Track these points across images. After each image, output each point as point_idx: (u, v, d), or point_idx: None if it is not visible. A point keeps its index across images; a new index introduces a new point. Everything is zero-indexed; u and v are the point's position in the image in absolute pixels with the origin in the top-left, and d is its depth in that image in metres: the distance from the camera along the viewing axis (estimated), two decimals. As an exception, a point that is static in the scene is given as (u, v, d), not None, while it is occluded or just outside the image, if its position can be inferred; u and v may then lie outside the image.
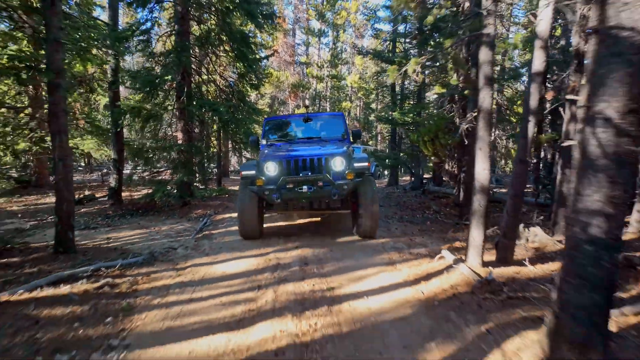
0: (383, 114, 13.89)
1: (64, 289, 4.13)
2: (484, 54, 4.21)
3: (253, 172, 5.71)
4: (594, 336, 2.40)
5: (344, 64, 27.89)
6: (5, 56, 5.48)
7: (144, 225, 8.05)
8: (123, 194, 10.80)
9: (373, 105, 26.64)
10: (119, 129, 9.78)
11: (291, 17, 27.74)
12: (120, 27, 9.97)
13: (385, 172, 18.74)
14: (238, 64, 10.92)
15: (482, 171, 4.41)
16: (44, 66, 5.49)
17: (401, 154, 12.48)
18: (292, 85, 24.37)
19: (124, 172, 10.80)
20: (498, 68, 12.42)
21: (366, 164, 5.76)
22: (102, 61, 9.63)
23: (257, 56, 12.01)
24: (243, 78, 11.17)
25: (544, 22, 4.30)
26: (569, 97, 4.02)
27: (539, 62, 4.36)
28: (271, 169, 5.56)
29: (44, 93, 11.93)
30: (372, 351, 2.92)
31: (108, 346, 3.03)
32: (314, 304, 3.79)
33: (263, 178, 5.53)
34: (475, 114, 4.74)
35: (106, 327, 3.35)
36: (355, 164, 5.66)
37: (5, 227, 7.98)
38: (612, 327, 3.11)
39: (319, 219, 7.80)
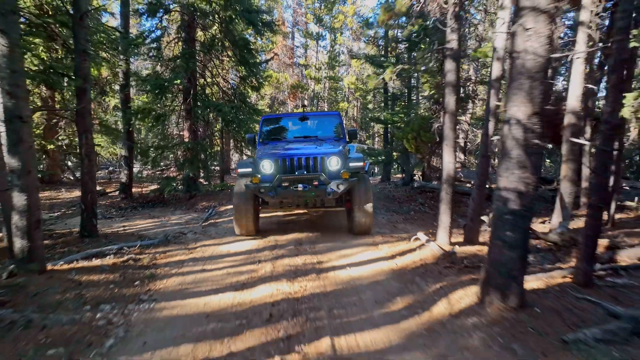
0: (376, 114, 14.65)
1: (96, 262, 4.91)
2: (448, 64, 4.98)
3: (249, 169, 5.74)
4: (511, 284, 3.16)
5: (342, 66, 28.63)
6: (37, 63, 6.22)
7: (154, 216, 8.82)
8: (132, 189, 11.56)
9: (370, 106, 27.38)
10: (130, 129, 10.55)
11: (290, 21, 28.52)
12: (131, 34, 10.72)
13: (376, 169, 19.52)
14: (240, 68, 11.67)
15: (447, 164, 5.18)
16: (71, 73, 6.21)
17: (393, 152, 13.27)
18: (291, 87, 25.12)
19: (133, 168, 11.56)
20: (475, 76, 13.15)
21: (361, 163, 5.76)
22: (115, 65, 10.38)
23: (258, 60, 12.77)
24: (244, 81, 11.92)
25: (499, 39, 5.07)
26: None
27: (496, 71, 5.12)
28: (267, 167, 5.61)
29: (57, 97, 12.72)
30: (349, 304, 3.68)
31: (139, 300, 3.80)
32: (304, 272, 4.56)
33: (259, 176, 5.55)
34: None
35: (135, 288, 4.12)
36: (351, 164, 5.66)
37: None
38: (541, 284, 3.89)
39: (315, 214, 8.52)
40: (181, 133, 11.35)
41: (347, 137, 6.87)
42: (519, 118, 3.02)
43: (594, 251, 3.82)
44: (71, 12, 5.57)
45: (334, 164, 5.63)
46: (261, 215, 6.90)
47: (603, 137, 3.69)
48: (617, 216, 7.13)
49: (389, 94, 14.84)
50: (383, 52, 14.65)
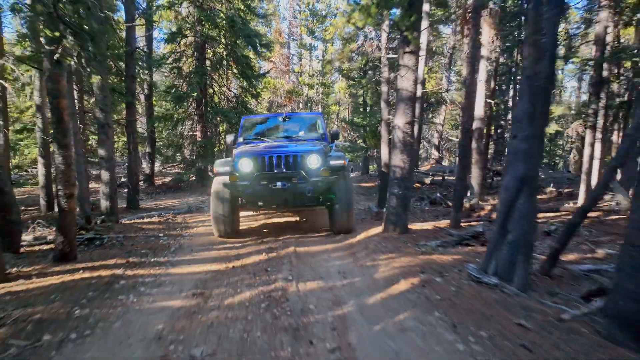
0: (352, 118, 16.86)
1: (147, 220, 7.14)
2: (383, 89, 7.21)
3: (227, 168, 5.42)
4: (398, 221, 5.39)
5: (334, 73, 30.85)
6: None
7: (175, 197, 11.07)
8: (154, 179, 13.79)
9: (362, 109, 29.62)
10: (153, 130, 12.77)
11: (286, 32, 30.73)
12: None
13: (352, 167, 21.86)
14: (242, 80, 13.88)
15: (383, 155, 7.42)
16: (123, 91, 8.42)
17: (367, 149, 15.57)
18: (287, 92, 27.31)
19: (155, 162, 13.79)
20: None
21: (342, 161, 5.57)
22: (141, 79, 12.58)
23: (256, 72, 14.98)
24: (246, 90, 14.13)
25: (420, 69, 7.30)
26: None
27: (419, 92, 7.36)
28: (245, 165, 5.26)
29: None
30: (309, 241, 5.89)
31: (182, 236, 6.04)
32: (286, 245, 6.79)
33: (237, 174, 5.24)
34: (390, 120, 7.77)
35: (177, 231, 6.36)
36: (331, 162, 5.47)
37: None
38: (429, 227, 6.11)
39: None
40: (194, 134, 13.56)
41: (328, 137, 6.60)
42: (399, 125, 5.26)
43: (461, 206, 6.07)
44: (125, 49, 7.76)
45: (313, 162, 5.32)
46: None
47: (462, 135, 5.94)
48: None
49: (364, 102, 17.17)
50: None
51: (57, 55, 3.42)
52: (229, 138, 6.56)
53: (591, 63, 8.70)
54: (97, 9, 3.70)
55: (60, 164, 4.06)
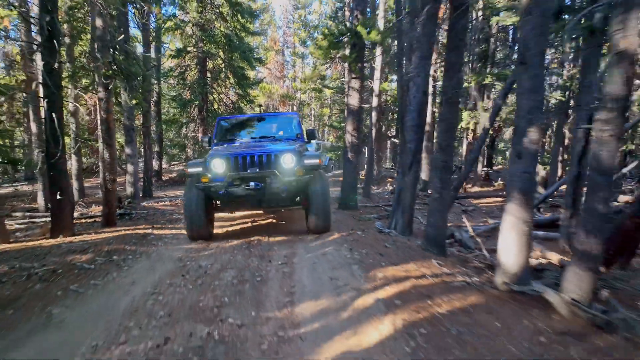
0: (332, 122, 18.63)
1: (160, 204, 8.88)
2: (349, 99, 8.97)
3: (199, 169, 5.12)
4: (351, 200, 7.16)
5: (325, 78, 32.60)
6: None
7: (181, 189, 12.74)
8: (162, 174, 15.53)
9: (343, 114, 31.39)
10: (161, 132, 14.48)
11: (281, 40, 32.46)
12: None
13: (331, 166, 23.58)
14: (238, 89, 15.61)
15: (350, 157, 9.20)
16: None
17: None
18: (281, 96, 29.05)
19: (162, 160, 15.52)
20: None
21: (317, 160, 5.31)
22: (152, 89, 14.29)
23: (251, 81, 16.72)
24: (242, 97, 15.87)
25: (375, 84, 9.07)
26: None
27: (375, 103, 9.12)
28: (218, 165, 5.03)
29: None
30: (284, 228, 7.63)
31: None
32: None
33: (209, 175, 5.00)
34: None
35: (185, 212, 8.10)
36: (306, 161, 5.21)
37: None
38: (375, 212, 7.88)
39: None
40: (197, 135, 15.28)
41: (305, 136, 6.43)
42: (349, 130, 7.03)
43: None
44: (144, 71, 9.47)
45: (288, 161, 5.09)
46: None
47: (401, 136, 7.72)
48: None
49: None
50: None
51: (110, 86, 5.16)
52: (205, 139, 6.33)
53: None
54: (139, 59, 5.44)
55: (107, 158, 5.82)
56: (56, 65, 4.91)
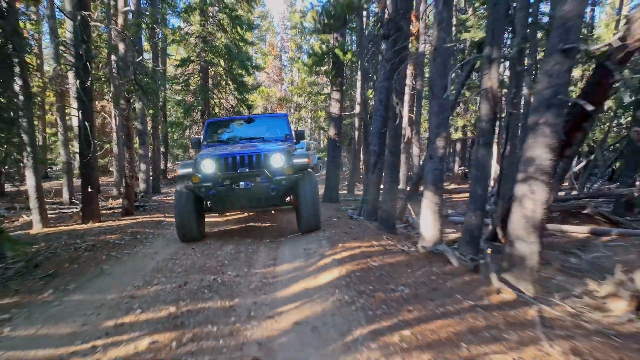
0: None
1: (168, 198, 9.95)
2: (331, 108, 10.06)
3: (189, 170, 5.09)
4: (333, 194, 8.24)
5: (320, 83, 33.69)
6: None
7: (186, 187, 13.86)
8: (167, 173, 16.59)
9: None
10: (167, 134, 15.53)
11: (279, 45, 33.53)
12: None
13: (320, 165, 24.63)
14: (237, 94, 16.67)
15: (333, 157, 10.30)
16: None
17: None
18: (279, 99, 30.11)
19: (168, 160, 16.58)
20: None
21: (306, 160, 5.32)
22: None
23: (249, 87, 17.78)
24: (241, 102, 16.93)
25: (357, 93, 10.14)
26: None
27: (357, 110, 10.20)
28: (208, 166, 4.98)
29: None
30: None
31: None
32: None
33: (199, 175, 4.95)
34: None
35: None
36: (295, 160, 5.20)
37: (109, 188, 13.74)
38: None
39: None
40: (198, 137, 16.34)
41: (294, 137, 6.34)
42: (331, 135, 8.10)
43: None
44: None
45: (277, 161, 5.08)
46: None
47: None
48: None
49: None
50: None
51: (132, 100, 6.22)
52: (194, 140, 6.38)
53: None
54: (154, 74, 6.52)
55: (127, 158, 6.89)
56: (88, 83, 5.98)
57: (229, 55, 14.44)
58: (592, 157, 8.32)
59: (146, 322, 2.66)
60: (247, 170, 4.99)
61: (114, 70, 6.61)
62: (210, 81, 15.83)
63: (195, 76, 15.49)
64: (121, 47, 6.58)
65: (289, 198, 5.58)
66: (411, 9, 4.50)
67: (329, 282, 3.30)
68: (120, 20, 6.55)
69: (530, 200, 2.86)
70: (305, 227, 5.27)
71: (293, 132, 6.41)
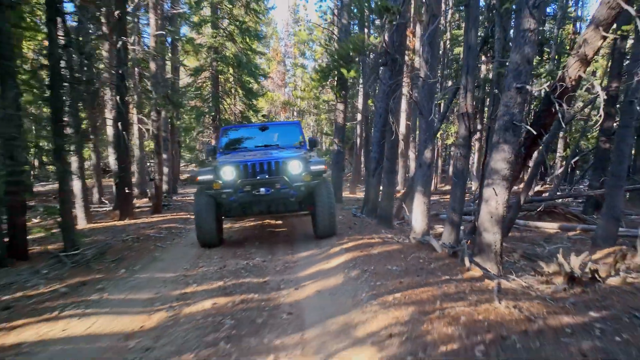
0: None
1: (187, 198, 10.80)
2: (336, 117, 10.90)
3: (210, 176, 5.14)
4: (336, 194, 9.10)
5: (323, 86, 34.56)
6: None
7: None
8: (180, 175, 17.45)
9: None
10: (179, 139, 16.40)
11: (282, 50, 34.45)
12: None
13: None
14: (245, 101, 17.54)
15: (337, 156, 11.15)
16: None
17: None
18: (282, 103, 30.96)
19: (180, 162, 17.45)
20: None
21: (322, 166, 5.40)
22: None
23: (256, 93, 18.66)
24: (248, 107, 17.80)
25: (359, 103, 10.99)
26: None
27: (359, 119, 11.05)
28: (228, 173, 5.07)
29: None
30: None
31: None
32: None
33: (220, 182, 5.04)
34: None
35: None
36: (312, 167, 5.26)
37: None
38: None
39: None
40: (210, 140, 17.19)
41: (307, 144, 6.42)
42: (336, 142, 8.94)
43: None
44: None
45: (295, 167, 5.16)
46: None
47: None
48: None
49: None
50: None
51: (162, 112, 7.08)
52: (209, 148, 6.46)
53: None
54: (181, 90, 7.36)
55: (157, 163, 7.74)
56: (126, 98, 6.84)
57: (239, 65, 15.30)
58: (571, 161, 9.15)
59: (203, 291, 3.51)
60: (267, 176, 5.06)
61: (147, 86, 7.48)
62: (219, 88, 16.70)
63: (207, 84, 16.37)
64: (152, 66, 7.44)
65: (304, 204, 5.51)
66: (405, 43, 5.33)
67: (339, 264, 4.15)
68: (152, 43, 7.41)
69: (494, 200, 3.70)
70: (321, 232, 5.34)
71: (306, 139, 6.48)
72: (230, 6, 15.06)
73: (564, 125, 4.89)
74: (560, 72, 3.53)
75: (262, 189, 5.04)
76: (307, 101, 32.85)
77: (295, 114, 34.32)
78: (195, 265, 4.36)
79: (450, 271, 3.70)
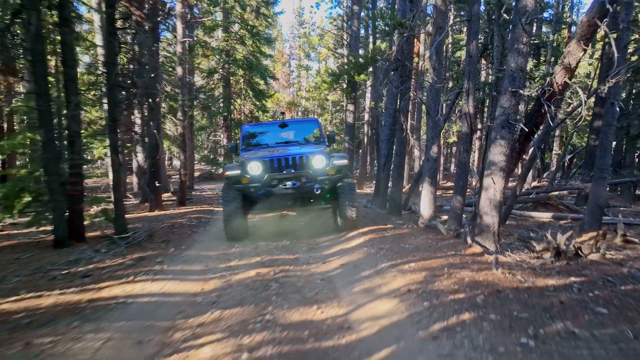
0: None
1: (205, 193, 11.40)
2: (346, 117, 11.46)
3: (238, 171, 5.29)
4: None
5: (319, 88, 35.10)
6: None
7: (210, 184, 15.35)
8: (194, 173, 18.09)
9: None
10: (193, 138, 17.02)
11: (287, 52, 35.04)
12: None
13: None
14: (255, 101, 18.15)
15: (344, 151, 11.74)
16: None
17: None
18: (288, 103, 31.55)
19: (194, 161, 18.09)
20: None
21: (345, 161, 5.49)
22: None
23: (265, 94, 19.27)
24: (257, 108, 18.41)
25: (367, 103, 11.56)
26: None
27: (367, 118, 11.62)
28: (255, 168, 5.19)
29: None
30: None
31: (230, 200, 10.33)
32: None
33: (248, 176, 5.17)
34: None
35: (226, 198, 10.65)
36: (335, 161, 5.37)
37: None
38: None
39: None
40: (221, 139, 17.82)
41: (326, 140, 6.44)
42: (346, 140, 9.53)
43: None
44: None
45: (319, 162, 5.28)
46: None
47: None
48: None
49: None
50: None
51: (189, 113, 7.69)
52: (231, 145, 6.67)
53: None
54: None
55: (183, 160, 8.35)
56: (157, 100, 7.44)
57: (250, 67, 15.90)
58: (566, 159, 9.71)
59: (245, 264, 4.10)
60: (293, 171, 5.20)
61: (174, 90, 8.10)
62: (232, 90, 17.31)
63: (219, 85, 16.98)
64: (179, 70, 8.05)
65: (328, 196, 5.59)
66: (413, 50, 5.91)
67: (358, 244, 4.74)
68: (179, 48, 8.02)
69: (492, 188, 4.29)
70: (344, 225, 5.45)
71: (325, 136, 6.54)
72: (242, 11, 15.66)
73: (552, 124, 5.45)
74: (548, 78, 4.10)
75: (289, 183, 5.16)
76: (311, 101, 33.45)
77: (299, 113, 34.91)
78: (232, 246, 4.95)
79: (455, 248, 4.29)
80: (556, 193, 8.24)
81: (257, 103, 17.98)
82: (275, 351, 2.24)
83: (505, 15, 5.43)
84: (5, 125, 14.05)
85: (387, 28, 5.12)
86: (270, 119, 31.35)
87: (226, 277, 3.71)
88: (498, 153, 4.21)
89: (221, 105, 16.17)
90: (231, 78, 16.97)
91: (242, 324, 2.61)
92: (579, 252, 4.14)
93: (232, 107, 17.52)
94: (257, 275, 3.69)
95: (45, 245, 4.88)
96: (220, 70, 16.36)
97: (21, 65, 5.56)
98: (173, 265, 4.06)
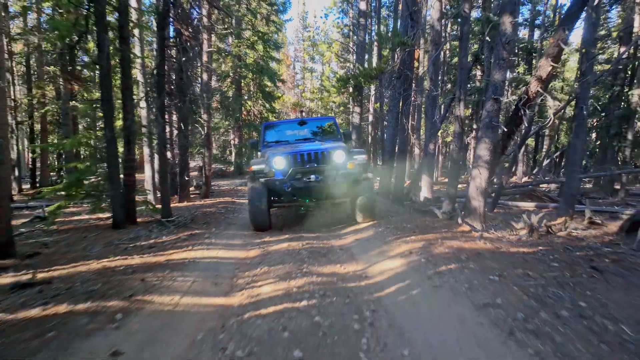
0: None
1: (222, 188, 12.28)
2: (352, 118, 12.30)
3: (263, 166, 5.53)
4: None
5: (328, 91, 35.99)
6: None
7: (224, 180, 16.21)
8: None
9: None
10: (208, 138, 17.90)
11: (292, 55, 35.96)
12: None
13: None
14: (264, 103, 19.02)
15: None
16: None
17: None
18: (293, 104, 32.43)
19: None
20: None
21: (364, 156, 5.74)
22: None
23: (274, 96, 20.15)
24: (266, 109, 19.28)
25: (371, 105, 12.41)
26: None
27: (371, 119, 12.47)
28: (279, 162, 5.43)
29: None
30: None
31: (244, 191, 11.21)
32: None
33: (274, 170, 5.41)
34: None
35: (241, 190, 11.52)
36: (355, 156, 5.61)
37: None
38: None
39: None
40: (233, 139, 18.70)
41: (342, 137, 6.66)
42: (353, 139, 10.37)
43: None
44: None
45: (340, 157, 5.48)
46: None
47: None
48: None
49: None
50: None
51: (212, 115, 8.53)
52: (252, 142, 7.04)
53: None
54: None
55: (207, 157, 9.23)
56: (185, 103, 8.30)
57: (260, 70, 16.79)
58: (553, 155, 10.54)
59: (277, 240, 4.97)
60: (315, 165, 5.38)
61: (204, 95, 9.00)
62: (243, 92, 18.19)
63: (231, 87, 17.87)
64: (205, 76, 8.91)
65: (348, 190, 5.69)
66: (413, 62, 6.74)
67: (367, 226, 5.60)
68: (204, 57, 8.88)
69: (479, 177, 5.14)
70: (363, 218, 5.73)
71: (341, 133, 6.75)
72: (253, 18, 16.54)
73: (525, 125, 6.31)
74: (524, 88, 4.96)
75: (313, 176, 5.34)
76: (315, 102, 34.31)
77: (303, 114, 35.73)
78: (261, 228, 5.82)
79: (448, 227, 5.15)
80: (545, 186, 9.08)
81: (266, 104, 18.86)
82: (314, 287, 3.10)
83: (487, 38, 6.27)
84: (39, 126, 15.01)
85: (390, 46, 5.94)
86: (274, 119, 32.40)
87: (264, 248, 4.58)
88: (484, 149, 5.07)
89: (234, 106, 17.06)
90: (242, 81, 17.86)
91: (286, 274, 3.48)
92: (550, 229, 5.00)
93: (242, 108, 18.42)
94: (289, 247, 4.56)
95: (105, 227, 5.75)
96: (232, 73, 17.24)
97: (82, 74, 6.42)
98: (219, 240, 4.93)
